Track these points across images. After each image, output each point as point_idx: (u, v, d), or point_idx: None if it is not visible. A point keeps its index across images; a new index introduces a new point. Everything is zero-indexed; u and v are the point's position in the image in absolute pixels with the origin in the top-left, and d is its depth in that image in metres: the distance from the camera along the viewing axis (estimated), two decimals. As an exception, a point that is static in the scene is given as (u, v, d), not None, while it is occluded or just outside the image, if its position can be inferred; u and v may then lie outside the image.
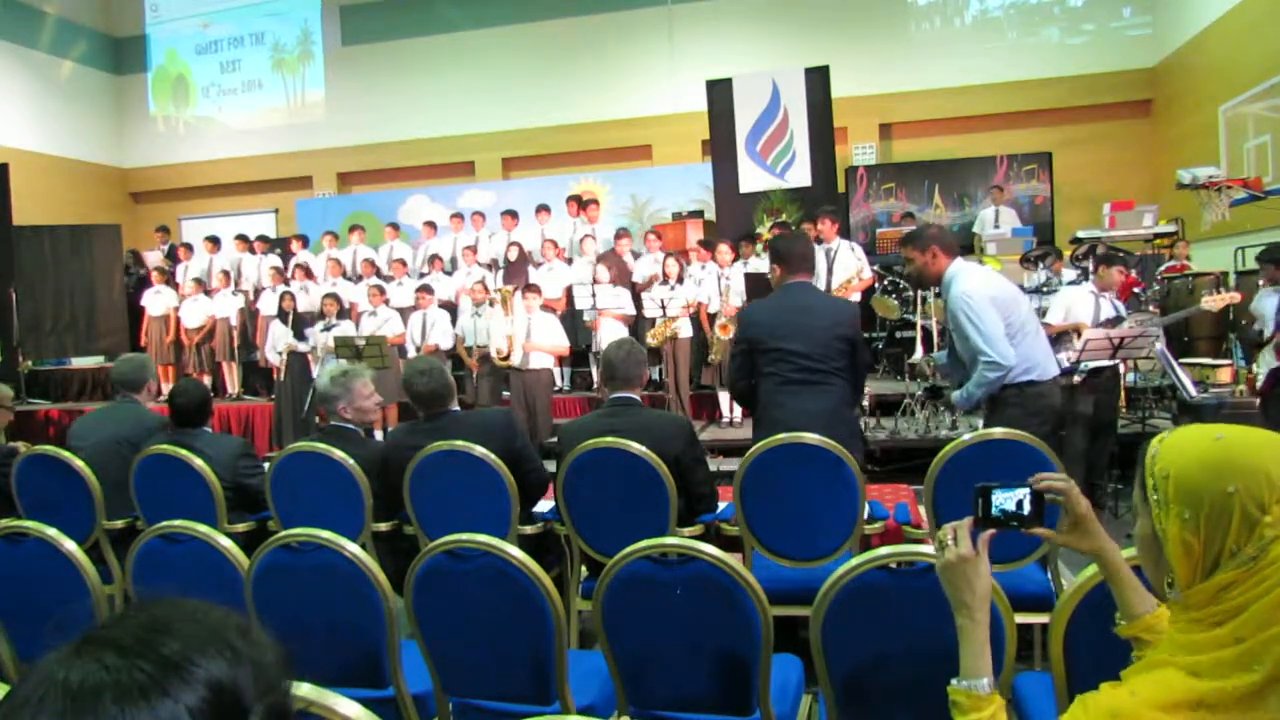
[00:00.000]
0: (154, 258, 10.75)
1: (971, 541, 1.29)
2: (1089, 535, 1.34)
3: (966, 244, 9.45)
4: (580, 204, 9.07)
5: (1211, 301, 5.36)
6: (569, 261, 8.51)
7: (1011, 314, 3.25)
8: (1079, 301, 5.14)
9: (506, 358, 6.68)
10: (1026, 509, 1.33)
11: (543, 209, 9.14)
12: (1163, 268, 7.20)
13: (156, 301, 9.30)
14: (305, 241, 10.02)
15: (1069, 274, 6.73)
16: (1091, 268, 5.57)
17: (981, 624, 1.25)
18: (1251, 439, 1.04)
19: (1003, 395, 3.30)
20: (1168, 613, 1.17)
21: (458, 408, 3.28)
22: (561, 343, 6.81)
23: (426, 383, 3.16)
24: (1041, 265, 6.97)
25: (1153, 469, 1.08)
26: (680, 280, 6.95)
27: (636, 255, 8.15)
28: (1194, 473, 1.04)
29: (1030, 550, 2.65)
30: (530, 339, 6.61)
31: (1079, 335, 4.87)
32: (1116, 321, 4.95)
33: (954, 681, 1.25)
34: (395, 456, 3.12)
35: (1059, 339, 5.14)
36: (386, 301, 7.90)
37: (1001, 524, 1.33)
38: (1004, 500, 1.34)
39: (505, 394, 6.96)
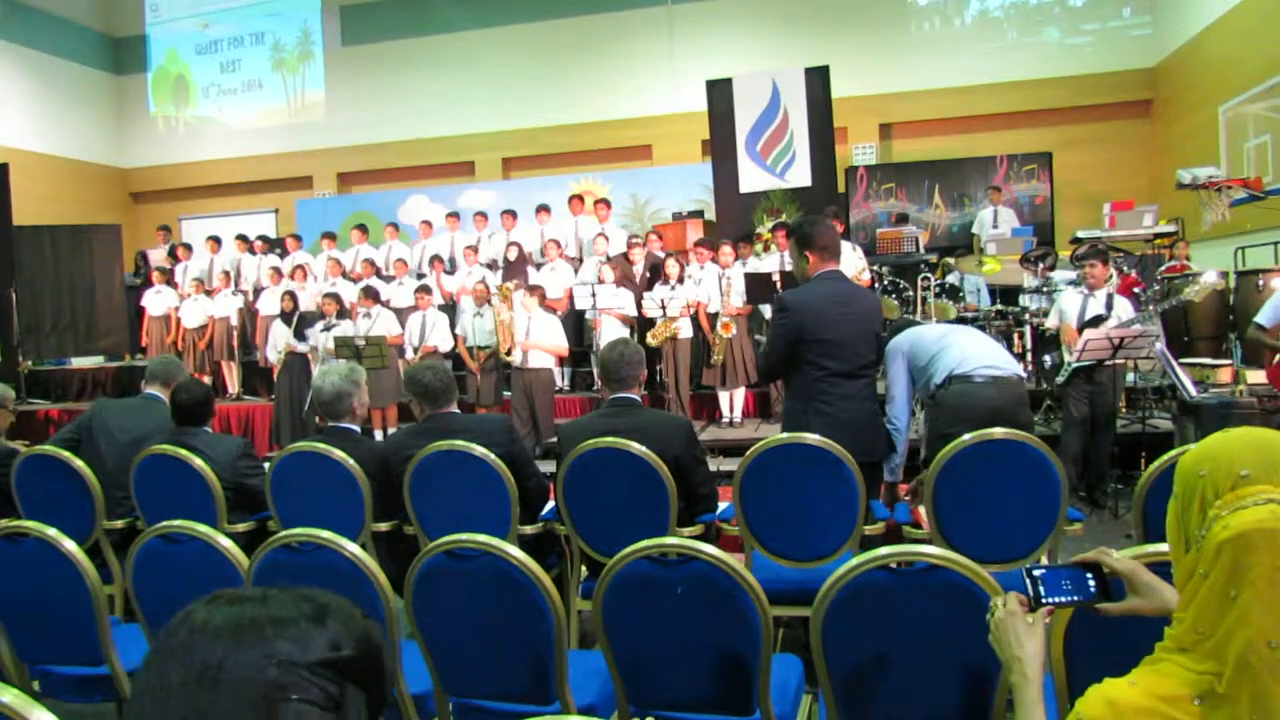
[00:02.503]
0: (156, 256, 10.76)
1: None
2: (1149, 592, 1.27)
3: (966, 244, 9.47)
4: (590, 203, 9.05)
5: (1194, 290, 5.18)
6: (578, 261, 8.49)
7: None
8: (1068, 302, 5.17)
9: (509, 352, 6.69)
10: (1073, 583, 1.29)
11: (543, 209, 9.13)
12: (1163, 268, 7.19)
13: (157, 301, 9.31)
14: (300, 241, 10.02)
15: (1069, 275, 6.73)
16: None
17: (1034, 681, 1.24)
18: (1245, 435, 1.08)
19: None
20: None
21: (457, 410, 3.28)
22: (560, 343, 6.79)
23: (433, 377, 3.18)
24: (1041, 265, 6.96)
25: None
26: (680, 280, 6.94)
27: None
28: (1188, 458, 1.11)
29: (1029, 550, 2.65)
30: (529, 338, 6.62)
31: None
32: (1098, 320, 4.91)
33: None
34: (396, 457, 3.12)
35: (1061, 340, 5.14)
36: (384, 303, 7.89)
37: (1064, 605, 1.31)
38: (1055, 579, 1.30)
39: (506, 394, 6.96)
